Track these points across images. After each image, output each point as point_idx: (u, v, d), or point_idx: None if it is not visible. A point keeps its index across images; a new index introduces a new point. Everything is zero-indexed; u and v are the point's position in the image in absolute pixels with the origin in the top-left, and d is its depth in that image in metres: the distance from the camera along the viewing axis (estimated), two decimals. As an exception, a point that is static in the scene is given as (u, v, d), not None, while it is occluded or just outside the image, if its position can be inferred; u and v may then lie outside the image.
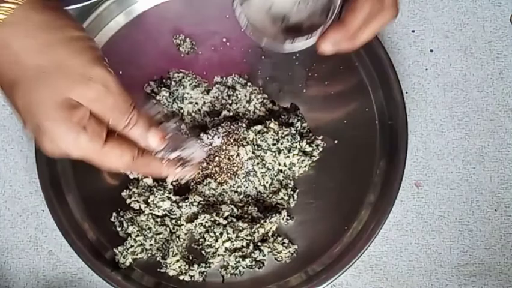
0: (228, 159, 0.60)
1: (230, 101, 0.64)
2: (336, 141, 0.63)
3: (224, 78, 0.65)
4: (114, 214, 0.61)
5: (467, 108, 0.66)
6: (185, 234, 0.61)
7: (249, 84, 0.64)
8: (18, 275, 0.64)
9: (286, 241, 0.61)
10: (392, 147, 0.61)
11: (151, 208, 0.60)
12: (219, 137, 0.60)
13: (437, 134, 0.65)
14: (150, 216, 0.60)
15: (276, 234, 0.61)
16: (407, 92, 0.65)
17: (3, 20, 0.40)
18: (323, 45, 0.50)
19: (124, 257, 0.60)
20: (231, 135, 0.60)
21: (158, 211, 0.60)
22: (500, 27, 0.67)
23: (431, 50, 0.67)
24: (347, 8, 0.49)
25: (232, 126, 0.61)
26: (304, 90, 0.64)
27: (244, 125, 0.61)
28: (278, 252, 0.60)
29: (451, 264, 0.63)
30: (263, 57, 0.65)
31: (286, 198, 0.61)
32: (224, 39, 0.65)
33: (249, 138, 0.60)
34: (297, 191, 0.62)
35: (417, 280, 0.63)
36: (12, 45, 0.40)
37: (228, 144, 0.60)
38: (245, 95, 0.64)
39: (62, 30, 0.42)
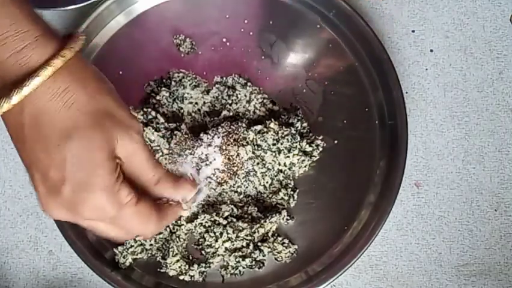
0: (228, 159, 0.60)
1: (230, 101, 0.64)
2: (336, 141, 0.63)
3: (224, 78, 0.65)
4: (114, 214, 0.61)
5: (467, 108, 0.66)
6: (185, 234, 0.61)
7: (249, 84, 0.64)
8: (18, 275, 0.64)
9: (286, 241, 0.61)
10: (392, 147, 0.61)
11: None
12: (219, 137, 0.60)
13: (437, 134, 0.65)
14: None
15: (276, 234, 0.61)
16: (407, 92, 0.65)
17: (62, 67, 0.37)
18: None
19: (124, 257, 0.60)
20: (231, 135, 0.60)
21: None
22: (500, 27, 0.67)
23: (431, 50, 0.67)
24: None
25: (232, 126, 0.61)
26: (304, 90, 0.64)
27: (244, 125, 0.61)
28: (278, 252, 0.60)
29: (451, 264, 0.63)
30: (263, 57, 0.65)
31: (286, 198, 0.61)
32: (224, 39, 0.65)
33: (249, 138, 0.60)
34: (297, 191, 0.62)
35: (417, 280, 0.63)
36: (71, 91, 0.38)
37: (228, 144, 0.60)
38: (245, 95, 0.64)
39: (105, 81, 0.41)
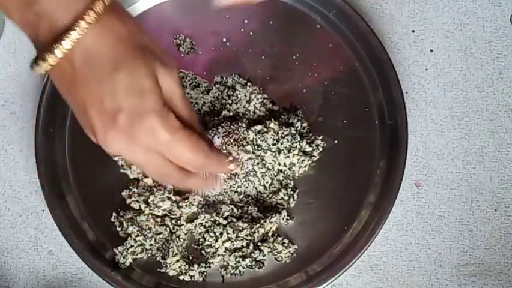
0: None
1: (230, 101, 0.64)
2: (336, 141, 0.63)
3: (224, 78, 0.65)
4: (114, 214, 0.61)
5: (467, 108, 0.66)
6: (185, 234, 0.61)
7: (249, 84, 0.64)
8: (18, 275, 0.64)
9: (286, 241, 0.61)
10: (392, 147, 0.61)
11: (151, 208, 0.60)
12: (219, 137, 0.60)
13: (437, 134, 0.65)
14: (150, 216, 0.60)
15: (276, 234, 0.61)
16: (407, 92, 0.65)
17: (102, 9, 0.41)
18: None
19: (124, 257, 0.60)
20: (231, 135, 0.60)
21: (158, 211, 0.60)
22: (500, 27, 0.67)
23: (431, 50, 0.67)
24: None
25: (232, 126, 0.61)
26: (304, 90, 0.64)
27: (244, 125, 0.61)
28: (278, 252, 0.60)
29: (451, 264, 0.63)
30: (263, 57, 0.65)
31: (286, 198, 0.61)
32: (224, 39, 0.65)
33: (249, 138, 0.60)
34: (297, 191, 0.62)
35: (417, 280, 0.63)
36: (114, 29, 0.41)
37: (228, 144, 0.60)
38: (245, 95, 0.64)
39: (139, 22, 0.45)
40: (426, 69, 0.67)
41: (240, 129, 0.60)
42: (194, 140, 0.45)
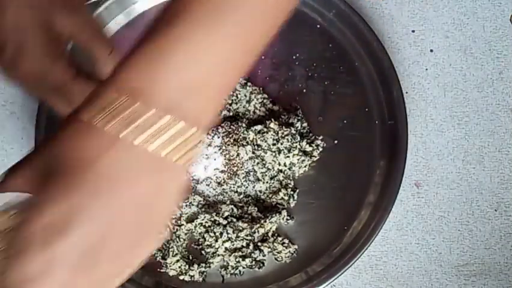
0: (228, 159, 0.60)
1: (230, 101, 0.64)
2: (336, 141, 0.63)
3: None
4: (114, 214, 0.61)
5: (467, 108, 0.66)
6: (185, 234, 0.61)
7: (249, 84, 0.64)
8: (18, 275, 0.64)
9: (286, 241, 0.61)
10: (392, 147, 0.61)
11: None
12: (219, 137, 0.60)
13: (437, 134, 0.65)
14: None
15: (276, 234, 0.61)
16: (407, 92, 0.65)
17: None
18: None
19: (124, 257, 0.60)
20: (231, 135, 0.60)
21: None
22: (500, 27, 0.67)
23: (431, 50, 0.67)
24: None
25: (232, 126, 0.60)
26: (304, 90, 0.64)
27: (244, 125, 0.61)
28: (278, 252, 0.60)
29: (451, 264, 0.63)
30: (263, 57, 0.65)
31: (286, 198, 0.61)
32: (224, 39, 0.65)
33: (249, 138, 0.60)
34: (297, 191, 0.62)
35: (417, 280, 0.63)
36: None
37: (228, 144, 0.60)
38: (245, 95, 0.64)
39: None
40: (426, 69, 0.67)
41: (240, 129, 0.60)
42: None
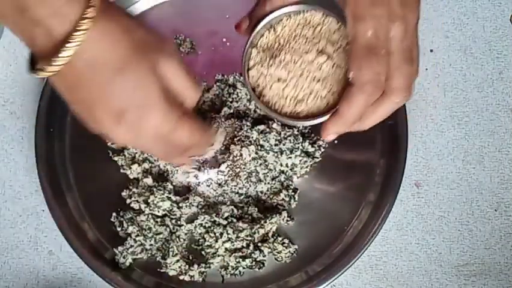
0: (232, 160, 0.60)
1: (231, 99, 0.64)
2: (336, 141, 0.63)
3: (225, 76, 0.65)
4: (114, 214, 0.61)
5: (467, 108, 0.66)
6: (185, 234, 0.61)
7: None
8: (18, 275, 0.64)
9: (286, 241, 0.61)
10: (392, 147, 0.61)
11: (151, 208, 0.60)
12: (222, 130, 0.60)
13: (437, 134, 0.65)
14: (150, 216, 0.60)
15: (276, 235, 0.61)
16: (407, 92, 0.65)
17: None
18: (325, 137, 0.48)
19: (124, 257, 0.60)
20: (236, 131, 0.60)
21: (158, 211, 0.60)
22: (500, 27, 0.67)
23: (431, 50, 0.67)
24: (344, 95, 0.45)
25: (238, 122, 0.61)
26: (304, 90, 0.64)
27: (248, 123, 0.61)
28: (278, 252, 0.60)
29: (451, 264, 0.63)
30: (263, 57, 0.65)
31: (287, 199, 0.61)
32: (224, 39, 0.65)
33: (252, 137, 0.60)
34: (298, 191, 0.62)
35: (417, 280, 0.63)
36: (110, 31, 0.42)
37: (231, 144, 0.60)
38: (246, 94, 0.64)
39: (132, 16, 0.45)
40: (426, 69, 0.67)
41: (244, 127, 0.60)
42: (193, 125, 0.46)
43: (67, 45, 0.40)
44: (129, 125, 0.43)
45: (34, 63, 0.42)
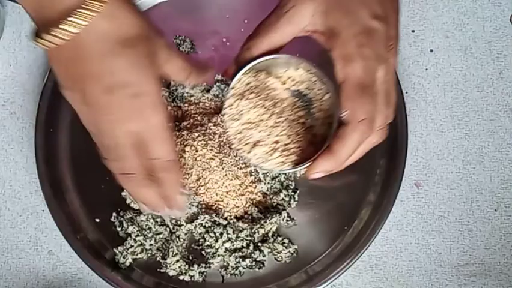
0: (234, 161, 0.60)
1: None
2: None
3: (225, 76, 0.65)
4: (114, 214, 0.61)
5: (467, 108, 0.66)
6: (185, 234, 0.61)
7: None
8: (18, 275, 0.64)
9: (286, 241, 0.61)
10: (392, 147, 0.61)
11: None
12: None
13: (437, 134, 0.65)
14: (150, 216, 0.60)
15: (276, 234, 0.61)
16: (407, 92, 0.65)
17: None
18: (313, 175, 0.49)
19: (124, 257, 0.60)
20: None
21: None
22: (500, 27, 0.67)
23: (431, 50, 0.67)
24: (334, 134, 0.46)
25: None
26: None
27: None
28: (278, 252, 0.60)
29: (451, 264, 0.63)
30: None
31: (287, 199, 0.61)
32: (224, 39, 0.65)
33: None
34: (298, 192, 0.62)
35: (417, 280, 0.63)
36: (116, 17, 0.43)
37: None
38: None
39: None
40: (426, 69, 0.67)
41: None
42: (172, 138, 0.47)
43: (74, 15, 0.41)
44: (117, 101, 0.43)
45: (38, 33, 0.42)
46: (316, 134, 0.51)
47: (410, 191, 0.64)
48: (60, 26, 0.41)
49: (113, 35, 0.42)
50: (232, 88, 0.50)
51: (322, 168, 0.48)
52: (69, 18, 0.41)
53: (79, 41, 0.42)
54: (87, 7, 0.41)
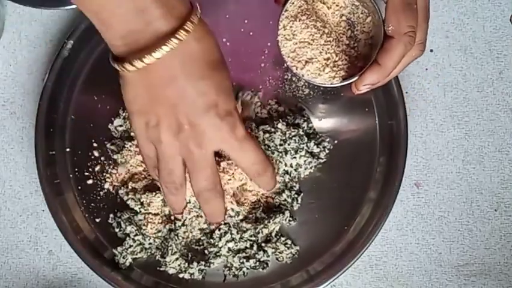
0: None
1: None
2: (336, 141, 0.63)
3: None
4: (111, 215, 0.61)
5: (467, 108, 0.66)
6: (184, 232, 0.61)
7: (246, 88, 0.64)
8: (18, 275, 0.64)
9: (288, 242, 0.61)
10: (392, 147, 0.61)
11: (145, 208, 0.60)
12: None
13: (437, 134, 0.65)
14: (147, 215, 0.60)
15: (279, 234, 0.61)
16: (407, 92, 0.65)
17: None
18: (361, 87, 0.53)
19: (123, 257, 0.60)
20: None
21: (157, 211, 0.60)
22: (500, 27, 0.67)
23: (431, 50, 0.67)
24: (381, 48, 0.51)
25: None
26: (305, 91, 0.64)
27: (254, 123, 0.61)
28: (280, 253, 0.60)
29: (451, 264, 0.63)
30: (263, 57, 0.65)
31: (289, 200, 0.61)
32: (224, 39, 0.65)
33: (259, 138, 0.60)
34: (301, 194, 0.62)
35: (417, 280, 0.63)
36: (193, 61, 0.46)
37: None
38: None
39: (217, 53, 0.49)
40: (426, 69, 0.67)
41: (252, 127, 0.60)
42: (259, 146, 0.51)
43: (169, 41, 0.43)
44: (211, 120, 0.47)
45: (120, 58, 0.44)
46: (359, 53, 0.55)
47: (410, 191, 0.64)
48: (153, 53, 0.43)
49: (202, 56, 0.45)
50: (286, 11, 0.54)
51: (370, 80, 0.52)
52: (166, 43, 0.43)
53: (169, 63, 0.44)
54: (181, 27, 0.43)
